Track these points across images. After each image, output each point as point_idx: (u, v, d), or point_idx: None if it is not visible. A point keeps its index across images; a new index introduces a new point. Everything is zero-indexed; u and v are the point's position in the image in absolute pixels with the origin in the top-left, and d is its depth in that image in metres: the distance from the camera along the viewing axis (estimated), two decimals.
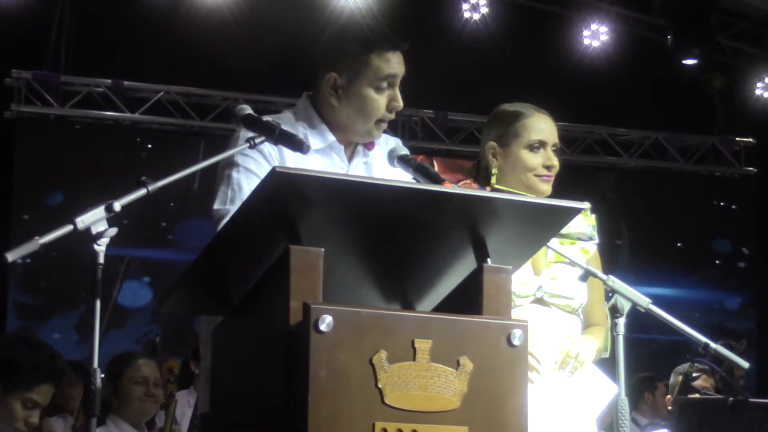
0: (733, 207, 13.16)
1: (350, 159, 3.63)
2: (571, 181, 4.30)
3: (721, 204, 13.15)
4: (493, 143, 4.13)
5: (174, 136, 11.34)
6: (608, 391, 3.97)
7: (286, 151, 3.37)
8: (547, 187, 4.05)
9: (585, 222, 4.07)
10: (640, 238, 12.34)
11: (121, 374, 5.73)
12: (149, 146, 11.31)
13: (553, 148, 4.09)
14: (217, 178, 3.54)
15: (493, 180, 4.07)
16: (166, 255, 10.89)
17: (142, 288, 10.64)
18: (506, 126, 4.13)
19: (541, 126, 4.10)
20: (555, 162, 4.07)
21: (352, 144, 3.64)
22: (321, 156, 3.55)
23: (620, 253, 11.75)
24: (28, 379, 4.22)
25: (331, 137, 3.59)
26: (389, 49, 3.54)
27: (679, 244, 12.92)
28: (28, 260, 9.92)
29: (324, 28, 3.68)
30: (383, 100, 3.55)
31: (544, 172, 4.06)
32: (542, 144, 4.07)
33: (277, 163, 3.44)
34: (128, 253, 10.19)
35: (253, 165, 3.43)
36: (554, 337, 3.87)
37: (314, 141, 3.54)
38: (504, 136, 4.11)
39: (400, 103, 3.58)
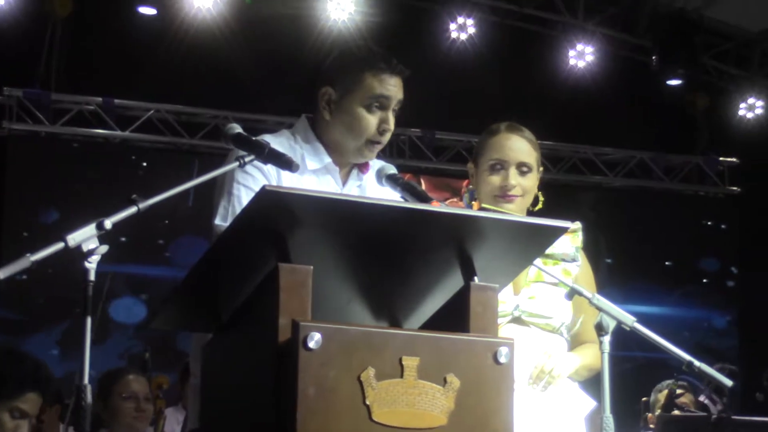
0: (722, 226, 13.21)
1: (345, 181, 3.65)
2: (554, 200, 4.27)
3: (709, 223, 13.20)
4: (470, 163, 4.14)
5: (169, 155, 11.36)
6: (584, 406, 3.96)
7: (282, 171, 3.38)
8: (511, 207, 3.96)
9: (570, 243, 4.04)
10: (628, 257, 12.37)
11: (111, 390, 5.73)
12: (144, 164, 11.33)
13: (523, 169, 4.00)
14: (216, 193, 3.55)
15: (473, 200, 4.07)
16: (162, 272, 10.90)
17: (137, 304, 10.64)
18: (478, 145, 4.12)
19: (503, 144, 4.02)
20: (513, 182, 3.98)
21: (348, 167, 3.65)
22: (316, 177, 3.57)
23: (600, 270, 11.77)
24: (14, 388, 4.21)
25: (327, 159, 3.60)
26: (384, 71, 3.55)
27: (667, 263, 12.97)
28: (24, 276, 9.92)
29: (318, 49, 3.73)
30: (373, 120, 3.56)
31: (503, 192, 3.98)
32: (501, 164, 4.00)
33: (274, 182, 3.46)
34: (126, 270, 10.30)
35: (252, 182, 3.45)
36: (531, 356, 3.83)
37: (311, 162, 3.55)
38: (476, 156, 4.11)
39: (390, 127, 3.58)
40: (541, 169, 4.13)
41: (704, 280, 13.14)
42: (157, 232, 10.93)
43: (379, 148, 3.64)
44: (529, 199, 4.06)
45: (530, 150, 4.05)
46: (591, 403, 3.93)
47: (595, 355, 3.81)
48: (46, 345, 10.32)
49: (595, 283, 4.12)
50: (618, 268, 12.16)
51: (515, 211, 3.92)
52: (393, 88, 3.58)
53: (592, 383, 3.92)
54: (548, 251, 3.75)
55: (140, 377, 5.88)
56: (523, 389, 3.77)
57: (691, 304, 12.94)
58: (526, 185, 4.02)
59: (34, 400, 4.27)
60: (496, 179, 4.01)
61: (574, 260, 4.04)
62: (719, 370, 3.68)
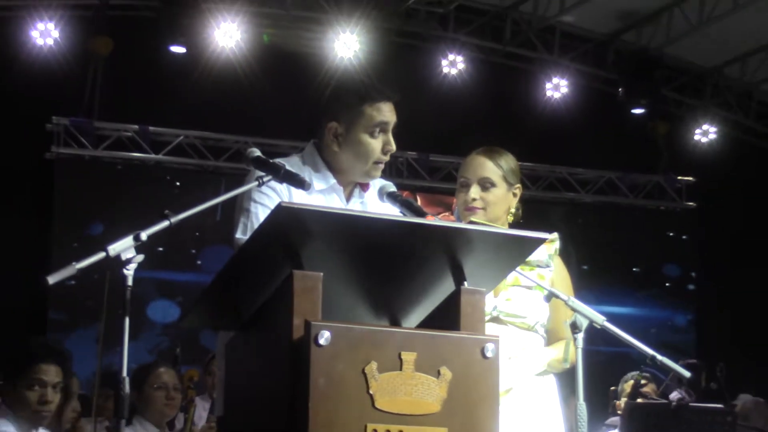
0: (684, 237, 13.22)
1: (348, 199, 3.63)
2: (533, 214, 4.26)
3: (671, 234, 13.20)
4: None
5: (199, 176, 11.37)
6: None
7: (294, 190, 3.38)
8: (475, 217, 3.92)
9: (545, 250, 4.02)
10: (601, 264, 12.38)
11: (145, 381, 5.71)
12: (178, 184, 11.35)
13: (486, 185, 3.97)
14: (236, 210, 3.54)
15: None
16: (194, 277, 10.86)
17: (172, 306, 10.63)
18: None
19: (468, 164, 4.02)
20: (474, 196, 3.96)
21: (350, 186, 3.64)
22: (323, 195, 3.55)
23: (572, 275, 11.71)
24: (27, 361, 4.21)
25: (332, 180, 3.58)
26: (381, 100, 3.53)
27: (634, 269, 12.98)
28: (72, 282, 9.95)
29: (325, 84, 3.69)
30: (378, 144, 3.54)
31: (466, 206, 3.96)
32: (466, 180, 4.00)
33: (286, 200, 3.44)
34: (162, 276, 10.35)
35: (267, 200, 3.43)
36: (508, 351, 3.81)
37: (317, 183, 3.54)
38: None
39: (393, 147, 3.57)
40: (519, 186, 4.09)
41: (667, 284, 13.13)
42: (189, 243, 10.92)
43: (383, 166, 3.62)
44: (496, 211, 4.00)
45: (493, 168, 3.99)
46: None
47: (566, 349, 3.82)
48: (87, 341, 10.32)
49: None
50: (592, 273, 12.16)
51: (480, 221, 3.89)
52: (389, 113, 3.56)
53: (567, 374, 3.91)
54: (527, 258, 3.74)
55: (170, 369, 5.86)
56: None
57: (656, 305, 12.94)
58: (488, 198, 3.98)
59: (50, 369, 4.25)
60: (462, 195, 4.00)
61: (547, 266, 4.01)
62: (685, 366, 3.66)
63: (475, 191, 3.97)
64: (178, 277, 10.80)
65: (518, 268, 3.66)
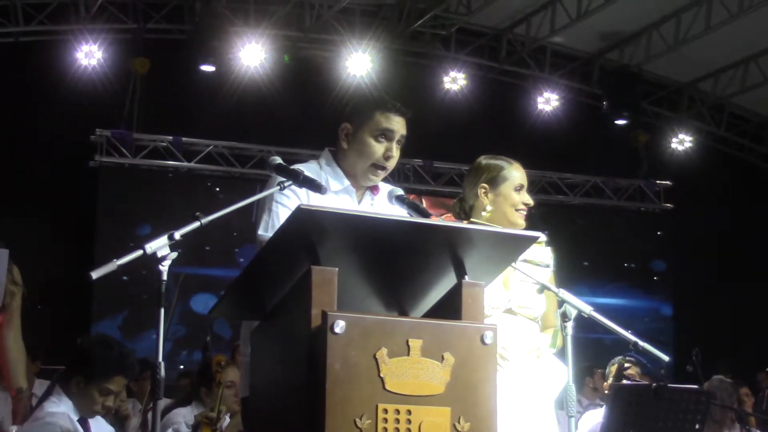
0: (673, 235, 13.20)
1: (360, 200, 3.62)
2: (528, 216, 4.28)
3: (659, 233, 13.19)
4: (485, 185, 4.05)
5: (235, 181, 11.41)
6: (563, 373, 3.94)
7: (310, 192, 3.37)
8: (523, 221, 3.99)
9: (549, 253, 4.02)
10: (597, 261, 12.44)
11: (213, 378, 5.58)
12: (218, 189, 11.41)
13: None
14: (258, 210, 3.53)
15: (488, 214, 4.01)
16: (235, 273, 10.81)
17: (212, 299, 10.64)
18: (496, 172, 4.07)
19: (522, 173, 4.08)
20: (530, 201, 4.05)
21: (362, 189, 3.62)
22: (337, 196, 3.53)
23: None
24: (103, 372, 4.18)
25: (346, 182, 3.57)
26: (390, 110, 3.52)
27: (625, 264, 13.00)
28: (125, 278, 10.07)
29: (341, 98, 3.69)
30: (380, 149, 3.52)
31: (523, 207, 4.02)
32: (522, 187, 4.05)
33: (304, 202, 3.43)
34: (207, 272, 10.38)
35: (287, 201, 3.42)
36: (521, 337, 3.83)
37: (333, 184, 3.52)
38: (496, 180, 4.05)
39: (393, 154, 3.53)
40: None
41: (655, 278, 13.12)
42: (231, 242, 10.91)
43: (384, 173, 3.58)
44: None
45: None
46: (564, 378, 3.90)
47: (555, 336, 3.87)
48: (111, 330, 10.37)
49: (572, 279, 4.15)
50: (590, 269, 12.23)
51: (524, 224, 3.96)
52: (397, 124, 3.54)
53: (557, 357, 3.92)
54: (530, 258, 3.77)
55: (235, 368, 5.73)
56: (517, 361, 3.75)
57: (644, 296, 12.95)
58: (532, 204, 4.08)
59: (120, 381, 4.25)
60: (520, 197, 4.02)
61: (548, 266, 4.01)
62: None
63: (529, 198, 4.05)
64: (220, 272, 10.82)
65: (525, 267, 3.68)
